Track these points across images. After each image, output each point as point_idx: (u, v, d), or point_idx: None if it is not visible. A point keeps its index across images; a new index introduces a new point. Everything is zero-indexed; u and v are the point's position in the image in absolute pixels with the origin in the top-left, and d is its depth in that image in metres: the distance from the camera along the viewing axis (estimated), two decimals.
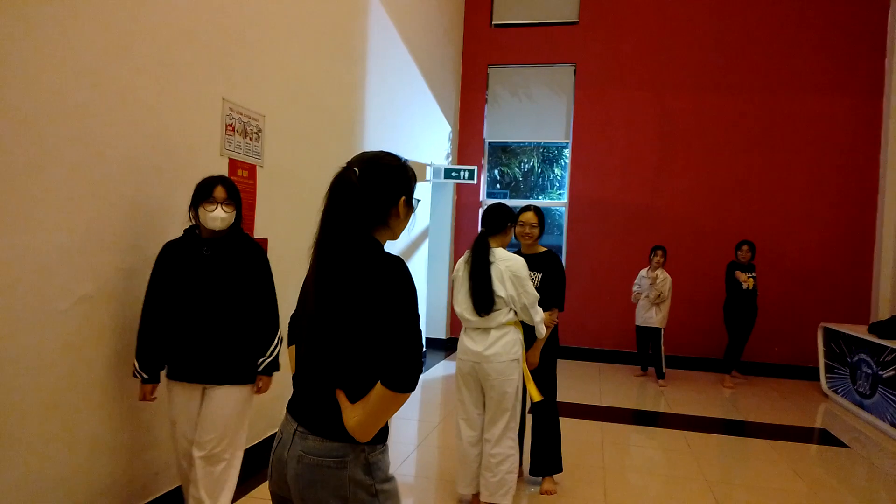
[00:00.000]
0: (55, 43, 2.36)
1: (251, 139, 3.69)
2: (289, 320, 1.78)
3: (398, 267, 1.45)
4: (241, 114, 3.58)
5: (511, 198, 9.80)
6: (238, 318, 2.62)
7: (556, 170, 10.13)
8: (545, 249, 3.67)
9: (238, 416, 2.66)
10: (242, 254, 2.66)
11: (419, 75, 6.85)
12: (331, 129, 4.77)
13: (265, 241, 3.87)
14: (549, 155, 10.17)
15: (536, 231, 3.58)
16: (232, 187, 2.63)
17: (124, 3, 2.67)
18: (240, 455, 2.74)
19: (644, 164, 8.09)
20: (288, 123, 4.11)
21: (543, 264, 3.56)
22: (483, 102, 8.67)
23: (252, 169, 3.71)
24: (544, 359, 3.52)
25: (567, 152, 8.60)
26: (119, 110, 2.67)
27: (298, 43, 4.24)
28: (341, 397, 1.46)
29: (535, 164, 10.26)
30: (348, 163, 1.52)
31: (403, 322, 1.40)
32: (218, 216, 2.55)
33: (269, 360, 2.72)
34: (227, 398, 2.60)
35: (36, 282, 2.30)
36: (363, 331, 1.44)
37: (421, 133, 7.06)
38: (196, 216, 2.61)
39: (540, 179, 10.18)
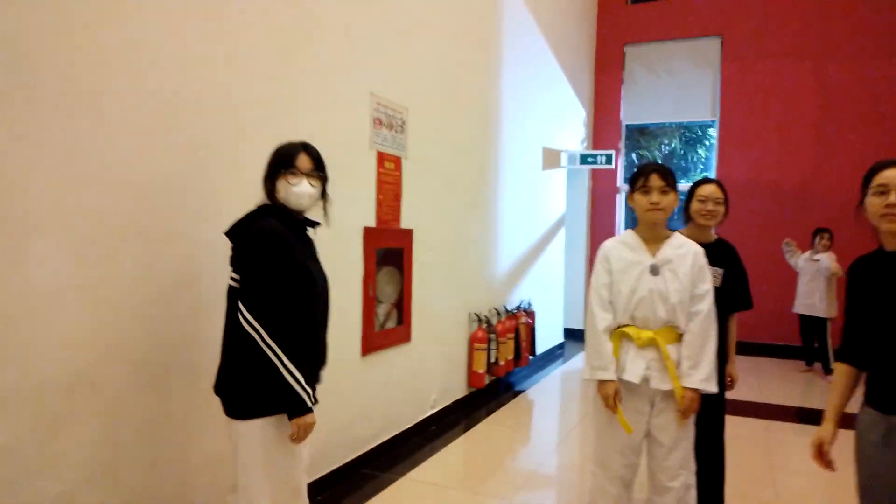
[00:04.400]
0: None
1: (396, 131, 3.79)
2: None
3: None
4: (387, 107, 3.68)
5: None
6: None
7: (699, 151, 9.52)
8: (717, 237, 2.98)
9: None
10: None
11: (553, 59, 6.69)
12: (468, 118, 4.79)
13: (411, 231, 3.96)
14: (691, 135, 9.57)
15: (722, 209, 2.81)
16: (318, 156, 2.03)
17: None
18: None
19: (802, 140, 7.36)
20: (429, 114, 4.18)
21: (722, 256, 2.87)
22: (619, 83, 8.32)
23: (397, 161, 3.80)
24: None
25: (712, 131, 8.03)
26: (284, 110, 2.84)
27: (437, 34, 4.28)
28: None
29: (677, 146, 9.70)
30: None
31: None
32: (305, 192, 1.97)
33: None
34: None
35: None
36: None
37: (555, 118, 6.91)
38: (272, 190, 1.99)
39: (682, 162, 9.60)
